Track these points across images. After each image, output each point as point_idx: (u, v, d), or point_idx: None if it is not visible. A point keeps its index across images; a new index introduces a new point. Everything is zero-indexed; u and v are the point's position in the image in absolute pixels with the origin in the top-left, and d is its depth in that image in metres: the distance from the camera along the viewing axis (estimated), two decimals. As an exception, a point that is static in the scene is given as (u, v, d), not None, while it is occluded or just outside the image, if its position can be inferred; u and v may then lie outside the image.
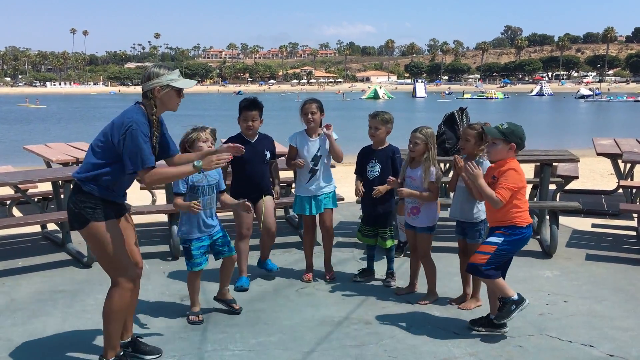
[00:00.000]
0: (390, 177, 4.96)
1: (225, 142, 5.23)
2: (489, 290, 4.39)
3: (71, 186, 6.18)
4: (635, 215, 7.60)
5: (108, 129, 3.51)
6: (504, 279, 4.19)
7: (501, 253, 4.08)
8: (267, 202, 5.37)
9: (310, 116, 5.27)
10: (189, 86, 3.76)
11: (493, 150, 4.11)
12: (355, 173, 5.42)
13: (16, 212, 8.09)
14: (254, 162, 5.26)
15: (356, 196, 5.35)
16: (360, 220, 5.56)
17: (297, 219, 7.33)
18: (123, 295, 3.63)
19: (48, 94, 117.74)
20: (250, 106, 5.24)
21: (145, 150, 3.43)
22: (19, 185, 6.56)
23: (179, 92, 3.70)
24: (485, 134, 4.59)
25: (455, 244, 5.00)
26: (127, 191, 3.75)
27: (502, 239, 4.06)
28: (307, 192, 5.39)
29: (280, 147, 8.58)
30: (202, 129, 4.46)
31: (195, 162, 3.62)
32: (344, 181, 9.94)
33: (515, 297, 4.12)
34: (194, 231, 4.50)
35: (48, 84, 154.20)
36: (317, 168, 5.35)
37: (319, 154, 5.34)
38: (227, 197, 4.73)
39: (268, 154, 5.36)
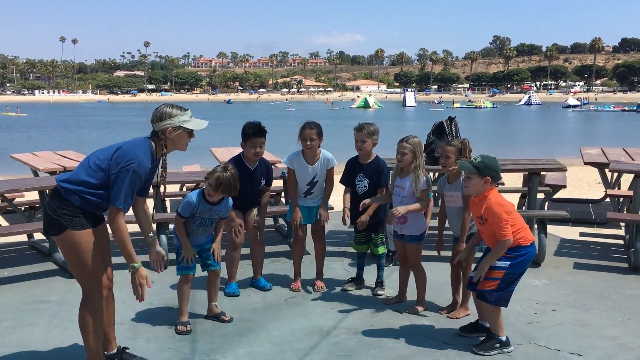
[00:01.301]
0: (366, 200, 5.00)
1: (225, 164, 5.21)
2: (475, 297, 4.37)
3: (47, 191, 6.22)
4: (622, 224, 7.66)
5: (111, 153, 3.49)
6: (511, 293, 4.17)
7: (510, 277, 4.05)
8: (256, 213, 5.39)
9: (309, 142, 5.25)
10: (201, 127, 3.75)
11: (469, 184, 4.11)
12: (341, 182, 5.43)
13: (2, 221, 8.01)
14: (248, 188, 5.23)
15: (344, 224, 5.34)
16: (352, 229, 5.56)
17: (286, 228, 7.31)
18: (96, 305, 3.60)
19: (35, 102, 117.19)
20: (258, 133, 5.18)
21: (129, 194, 3.44)
22: (5, 194, 6.50)
23: (190, 132, 3.70)
24: (465, 149, 4.63)
25: (447, 253, 5.01)
26: None
27: (509, 262, 4.01)
28: (302, 203, 5.44)
29: (271, 157, 8.58)
30: (224, 169, 4.36)
31: (134, 264, 3.56)
32: (333, 190, 9.93)
33: (504, 339, 4.13)
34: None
35: (36, 92, 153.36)
36: (312, 190, 5.42)
37: (315, 180, 5.38)
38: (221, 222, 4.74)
39: (263, 182, 5.37)
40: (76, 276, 3.64)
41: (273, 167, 7.88)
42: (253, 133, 5.17)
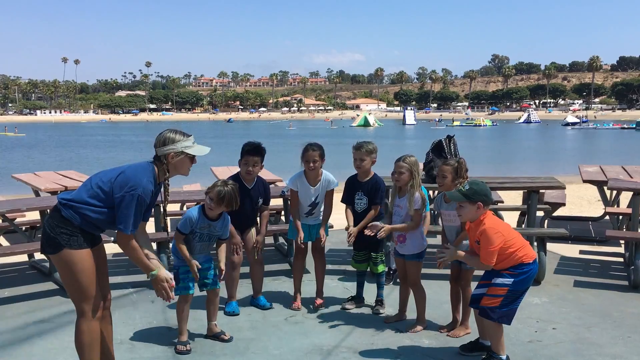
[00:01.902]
0: (372, 225, 4.90)
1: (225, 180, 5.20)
2: (477, 315, 4.37)
3: (48, 210, 6.24)
4: (621, 241, 7.66)
5: (114, 177, 3.53)
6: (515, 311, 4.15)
7: (513, 294, 4.04)
8: (254, 232, 5.41)
9: (312, 164, 5.29)
10: (203, 153, 3.81)
11: (462, 212, 4.13)
12: (342, 201, 5.46)
13: (3, 241, 8.02)
14: (246, 207, 5.26)
15: (349, 244, 5.32)
16: (352, 247, 5.58)
17: (286, 247, 7.32)
18: (91, 326, 3.60)
19: (37, 122, 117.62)
20: (253, 151, 5.23)
21: (136, 218, 3.49)
22: (7, 214, 6.52)
23: (192, 158, 3.75)
24: (461, 168, 4.65)
25: (446, 271, 5.02)
26: None
27: (512, 279, 4.01)
28: (303, 221, 5.47)
29: (271, 175, 8.62)
30: (224, 184, 4.47)
31: (152, 271, 3.64)
32: (333, 208, 9.93)
33: (504, 357, 4.12)
34: (183, 263, 4.55)
35: (38, 112, 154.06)
36: (313, 211, 5.46)
37: (317, 201, 5.42)
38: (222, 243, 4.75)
39: (260, 201, 5.40)
40: (71, 295, 3.64)
41: (273, 185, 7.93)
42: (248, 151, 5.23)
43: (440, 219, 4.99)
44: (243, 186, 5.22)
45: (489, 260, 3.96)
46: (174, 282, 3.74)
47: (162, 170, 3.67)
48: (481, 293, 4.16)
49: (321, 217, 5.50)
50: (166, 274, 3.74)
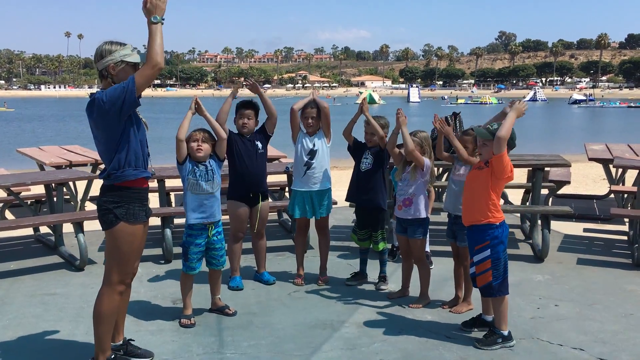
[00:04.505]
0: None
1: None
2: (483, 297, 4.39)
3: (53, 185, 6.22)
4: (626, 220, 7.65)
5: (93, 125, 3.52)
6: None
7: (497, 261, 4.11)
8: (263, 207, 5.39)
9: (310, 121, 5.35)
10: (143, 60, 3.69)
11: (484, 151, 4.16)
12: (348, 150, 5.52)
13: (9, 214, 8.07)
14: (249, 156, 5.26)
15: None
16: (354, 224, 5.59)
17: (290, 223, 7.34)
18: (112, 298, 3.63)
19: (42, 97, 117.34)
20: (247, 104, 5.31)
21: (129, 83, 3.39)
22: (12, 188, 6.55)
23: (134, 66, 3.63)
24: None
25: (449, 248, 5.03)
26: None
27: (488, 250, 4.10)
28: (304, 186, 5.40)
29: (275, 152, 8.59)
30: (201, 131, 4.52)
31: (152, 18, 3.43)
32: (338, 185, 9.94)
33: (506, 333, 4.15)
34: (196, 215, 4.52)
35: (42, 87, 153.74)
36: (312, 162, 5.38)
37: (315, 149, 5.39)
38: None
39: (259, 144, 5.34)
40: (110, 266, 3.64)
41: (278, 162, 7.92)
42: (241, 105, 5.32)
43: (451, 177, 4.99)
44: (242, 137, 5.28)
45: (499, 149, 3.95)
46: None
47: (108, 84, 3.55)
48: (474, 272, 4.21)
49: (320, 180, 5.39)
50: None
